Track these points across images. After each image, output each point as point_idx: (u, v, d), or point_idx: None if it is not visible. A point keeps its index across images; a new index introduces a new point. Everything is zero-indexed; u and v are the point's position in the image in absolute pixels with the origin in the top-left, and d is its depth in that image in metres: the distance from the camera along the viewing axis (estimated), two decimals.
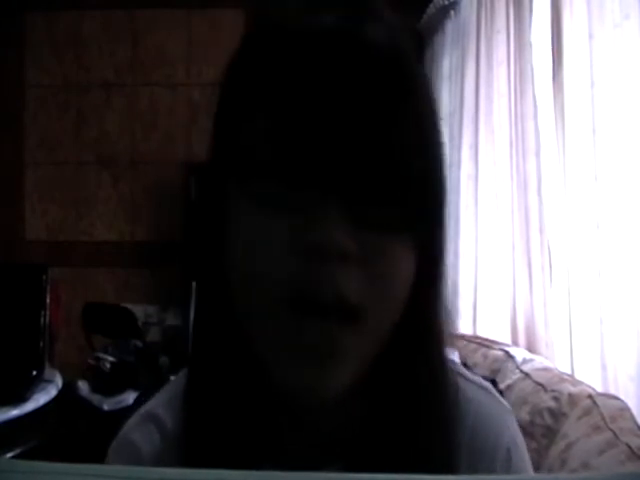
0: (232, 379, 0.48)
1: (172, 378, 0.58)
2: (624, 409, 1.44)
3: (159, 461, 0.52)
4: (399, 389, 0.48)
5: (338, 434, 0.50)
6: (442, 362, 0.50)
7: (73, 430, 2.52)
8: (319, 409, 0.48)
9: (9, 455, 1.95)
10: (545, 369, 1.82)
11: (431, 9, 2.93)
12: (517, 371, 1.87)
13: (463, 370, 0.56)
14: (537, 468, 1.54)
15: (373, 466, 0.46)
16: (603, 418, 1.41)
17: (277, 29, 0.44)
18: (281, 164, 0.41)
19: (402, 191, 0.42)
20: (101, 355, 2.84)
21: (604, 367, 1.61)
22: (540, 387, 1.70)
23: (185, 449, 0.49)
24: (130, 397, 2.65)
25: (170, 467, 0.48)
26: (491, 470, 0.51)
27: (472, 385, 0.54)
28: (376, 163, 0.41)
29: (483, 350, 2.15)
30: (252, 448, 0.48)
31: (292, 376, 0.42)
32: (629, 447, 1.29)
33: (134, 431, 0.55)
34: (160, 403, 0.55)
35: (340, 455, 0.49)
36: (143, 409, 0.56)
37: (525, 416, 1.67)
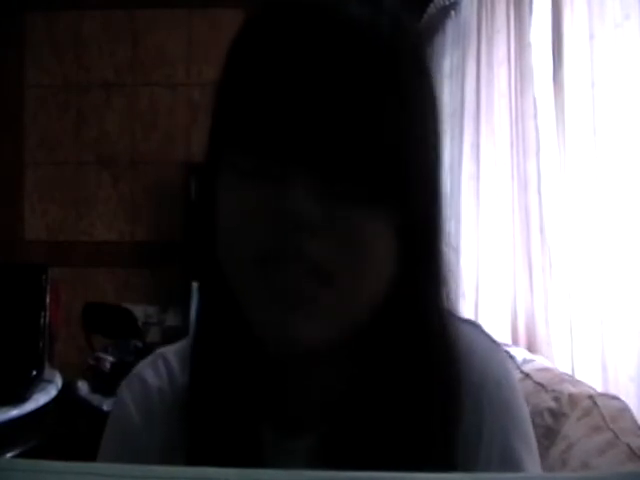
0: (230, 340, 0.52)
1: None
2: (624, 409, 1.43)
3: (163, 399, 0.56)
4: (386, 357, 0.49)
5: (325, 396, 0.52)
6: (434, 335, 0.50)
7: (73, 430, 2.51)
8: (305, 365, 0.51)
9: (9, 455, 1.95)
10: (545, 369, 1.82)
11: (431, 9, 2.93)
12: (517, 371, 1.87)
13: (476, 324, 0.57)
14: None
15: (357, 431, 0.48)
16: (603, 418, 1.41)
17: (266, 14, 0.47)
18: (255, 136, 0.44)
19: (369, 165, 0.44)
20: (101, 355, 2.84)
21: (604, 367, 1.61)
22: (540, 387, 1.70)
23: (189, 400, 0.53)
24: None
25: (173, 408, 0.54)
26: (479, 400, 0.51)
27: (460, 322, 0.55)
28: (344, 137, 0.43)
29: None
30: (249, 409, 0.52)
31: (268, 325, 0.46)
32: (629, 447, 1.28)
33: (146, 367, 0.59)
34: (172, 350, 0.60)
35: (327, 418, 0.51)
36: (157, 351, 0.61)
37: None
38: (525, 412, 0.54)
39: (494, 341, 0.56)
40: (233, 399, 0.51)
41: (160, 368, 0.58)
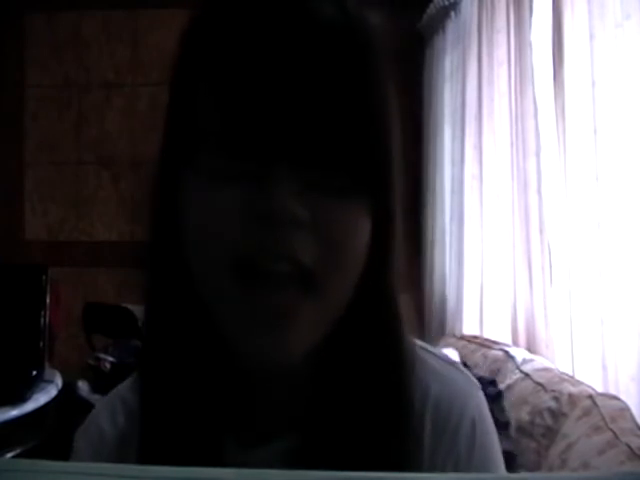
0: (189, 353, 0.48)
1: None
2: (624, 409, 1.43)
3: (122, 442, 0.53)
4: (354, 359, 0.48)
5: (294, 405, 0.50)
6: (399, 333, 0.50)
7: (73, 430, 2.51)
8: (276, 377, 0.49)
9: (9, 455, 1.96)
10: (545, 369, 1.82)
11: (431, 9, 2.93)
12: (517, 371, 1.87)
13: (428, 346, 0.56)
14: (537, 468, 1.54)
15: (327, 438, 0.47)
16: (603, 418, 1.41)
17: (224, 5, 0.45)
18: (232, 138, 0.42)
19: (349, 156, 0.43)
20: (101, 355, 2.84)
21: (605, 367, 1.61)
22: (540, 387, 1.70)
23: (144, 424, 0.50)
24: None
25: (132, 446, 0.49)
26: (454, 442, 0.50)
27: (438, 360, 0.54)
28: (322, 130, 0.42)
29: (483, 350, 2.15)
30: (211, 420, 0.49)
31: (249, 342, 0.43)
32: (629, 447, 1.28)
33: (100, 414, 0.56)
34: (126, 386, 0.56)
35: (296, 427, 0.49)
36: (111, 393, 0.57)
37: (525, 416, 1.67)
38: (497, 446, 0.54)
39: (472, 381, 0.55)
40: (193, 414, 0.48)
41: (117, 413, 0.55)
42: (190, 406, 0.48)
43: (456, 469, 0.50)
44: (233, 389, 0.50)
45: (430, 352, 0.55)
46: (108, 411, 0.56)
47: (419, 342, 0.55)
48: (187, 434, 0.48)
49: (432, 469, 0.49)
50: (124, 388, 0.57)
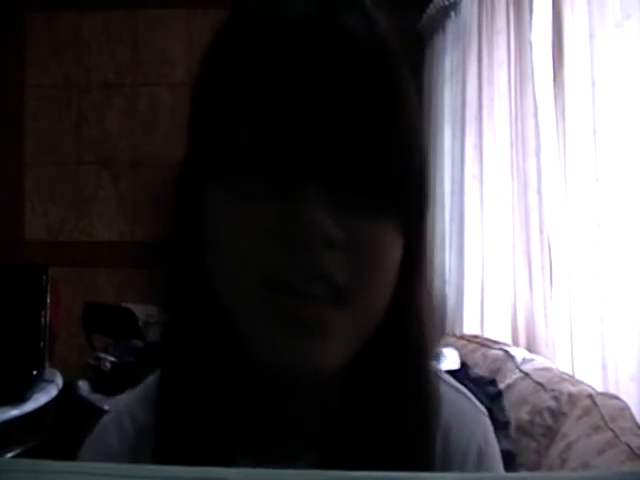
0: (211, 366, 0.48)
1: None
2: (624, 409, 1.43)
3: (132, 457, 0.52)
4: (380, 380, 0.48)
5: (313, 423, 0.50)
6: (426, 353, 0.50)
7: (73, 430, 2.51)
8: (300, 392, 0.48)
9: (9, 455, 1.96)
10: (545, 369, 1.82)
11: (431, 9, 2.93)
12: (517, 371, 1.87)
13: (441, 373, 0.56)
14: (537, 468, 1.54)
15: (348, 460, 0.46)
16: (603, 418, 1.41)
17: (252, 20, 0.44)
18: (265, 158, 0.42)
19: (383, 177, 0.43)
20: (101, 355, 2.84)
21: (605, 367, 1.61)
22: (540, 387, 1.70)
23: (157, 439, 0.49)
24: None
25: (144, 461, 0.49)
26: (462, 469, 0.51)
27: (448, 387, 0.55)
28: (354, 149, 0.42)
29: (483, 350, 2.15)
30: (228, 437, 0.48)
31: (279, 355, 0.42)
32: (629, 447, 1.29)
33: (107, 429, 0.55)
34: (134, 399, 0.55)
35: (314, 446, 0.49)
36: (116, 407, 0.56)
37: (525, 416, 1.67)
38: (501, 470, 0.55)
39: (479, 408, 0.56)
40: (209, 430, 0.47)
41: (126, 428, 0.53)
42: (207, 421, 0.48)
43: None
44: (253, 404, 0.49)
45: (442, 379, 0.55)
46: (116, 426, 0.54)
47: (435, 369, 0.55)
48: (202, 450, 0.47)
49: None
50: (132, 402, 0.55)
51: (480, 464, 0.52)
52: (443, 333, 2.68)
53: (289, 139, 0.41)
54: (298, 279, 0.41)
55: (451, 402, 0.53)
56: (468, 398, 0.56)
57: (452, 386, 0.56)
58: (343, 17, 0.43)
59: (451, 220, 2.69)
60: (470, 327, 2.46)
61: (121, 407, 0.56)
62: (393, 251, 0.44)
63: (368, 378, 0.48)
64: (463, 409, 0.54)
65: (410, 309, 0.48)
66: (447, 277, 2.76)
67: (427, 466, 0.48)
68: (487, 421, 0.55)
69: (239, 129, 0.42)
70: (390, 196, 0.43)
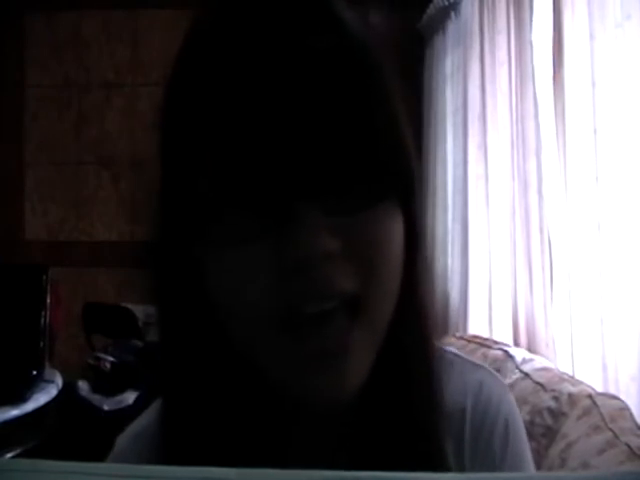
0: (224, 398, 0.46)
1: None
2: (624, 409, 1.43)
3: None
4: (397, 382, 0.47)
5: (331, 444, 0.49)
6: (433, 345, 0.50)
7: (73, 430, 2.51)
8: (320, 415, 0.48)
9: (9, 455, 1.96)
10: (545, 369, 1.82)
11: (431, 9, 2.93)
12: (517, 371, 1.87)
13: (458, 352, 0.57)
14: (537, 468, 1.54)
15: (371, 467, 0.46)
16: (603, 418, 1.41)
17: (212, 43, 0.43)
18: (241, 196, 0.40)
19: (367, 173, 0.42)
20: (101, 355, 2.84)
21: (605, 367, 1.61)
22: (540, 387, 1.70)
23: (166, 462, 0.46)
24: (130, 397, 2.65)
25: None
26: (490, 443, 0.52)
27: (469, 364, 0.56)
28: (335, 161, 0.40)
29: (483, 350, 2.15)
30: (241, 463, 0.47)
31: (304, 385, 0.42)
32: (629, 447, 1.28)
33: (125, 451, 0.53)
34: (151, 419, 0.53)
35: (340, 456, 0.48)
36: (132, 427, 0.55)
37: (525, 416, 1.67)
38: (527, 444, 0.55)
39: (502, 382, 0.57)
40: (221, 458, 0.45)
41: (143, 449, 0.51)
42: (219, 450, 0.46)
43: (491, 469, 0.51)
44: (268, 432, 0.48)
45: (461, 357, 0.56)
46: (133, 450, 0.53)
47: (450, 348, 0.56)
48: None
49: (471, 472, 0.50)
50: (146, 422, 0.54)
51: (507, 437, 0.52)
52: (446, 333, 2.67)
53: (265, 170, 0.40)
54: (312, 304, 0.40)
55: (475, 380, 0.54)
56: (490, 373, 0.57)
57: (474, 363, 0.56)
58: (310, 30, 0.41)
59: (453, 220, 2.68)
60: (476, 328, 2.43)
61: (134, 428, 0.55)
62: (395, 231, 0.44)
63: (386, 382, 0.47)
64: (487, 385, 0.54)
65: (416, 300, 0.48)
66: (450, 277, 2.76)
67: (439, 459, 0.48)
68: (510, 396, 0.56)
69: (213, 176, 0.41)
70: (379, 183, 0.42)
